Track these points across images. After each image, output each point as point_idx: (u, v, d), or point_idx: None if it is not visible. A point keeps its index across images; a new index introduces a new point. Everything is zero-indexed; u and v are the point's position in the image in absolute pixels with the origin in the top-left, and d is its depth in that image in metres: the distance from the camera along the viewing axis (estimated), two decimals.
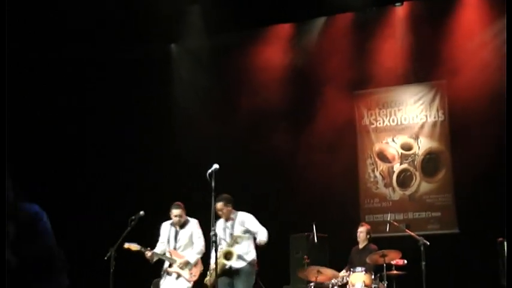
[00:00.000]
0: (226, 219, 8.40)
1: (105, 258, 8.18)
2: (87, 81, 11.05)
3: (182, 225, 8.58)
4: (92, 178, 11.28)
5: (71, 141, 10.91)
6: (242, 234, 8.20)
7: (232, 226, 8.43)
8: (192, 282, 8.51)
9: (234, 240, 8.15)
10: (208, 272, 8.51)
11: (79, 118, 10.97)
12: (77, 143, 11.03)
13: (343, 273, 9.10)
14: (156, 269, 8.62)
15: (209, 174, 7.13)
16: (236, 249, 8.20)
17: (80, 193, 11.17)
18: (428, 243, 8.78)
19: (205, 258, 8.71)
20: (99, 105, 11.14)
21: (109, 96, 11.07)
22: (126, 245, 8.29)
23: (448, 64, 10.66)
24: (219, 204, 8.14)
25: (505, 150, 6.76)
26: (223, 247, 7.92)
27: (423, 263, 8.67)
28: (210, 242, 8.45)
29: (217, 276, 7.67)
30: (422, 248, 8.76)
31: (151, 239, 8.68)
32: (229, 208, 8.40)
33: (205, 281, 8.53)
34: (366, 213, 11.28)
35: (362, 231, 9.60)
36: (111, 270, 8.23)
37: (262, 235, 8.35)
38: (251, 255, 8.42)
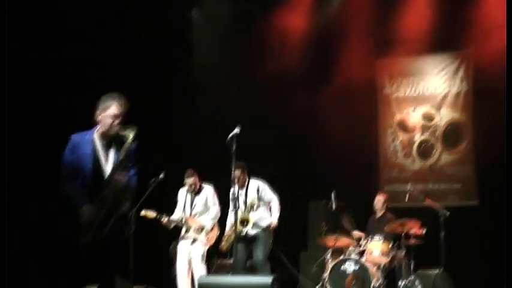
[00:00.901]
0: (241, 187, 8.44)
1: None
2: (109, 48, 11.05)
3: (197, 191, 8.67)
4: None
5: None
6: (255, 201, 8.23)
7: (246, 193, 8.48)
8: (207, 247, 8.59)
9: (250, 207, 8.18)
10: (223, 238, 8.57)
11: (101, 85, 10.98)
12: None
13: (359, 239, 9.12)
14: (175, 232, 8.69)
15: (230, 139, 7.11)
16: (252, 216, 8.24)
17: None
18: (448, 213, 8.73)
19: (221, 224, 8.77)
20: (119, 73, 11.14)
21: (130, 64, 11.05)
22: (143, 213, 8.37)
23: (474, 33, 10.47)
24: (237, 172, 8.15)
25: None
26: (238, 214, 7.95)
27: (442, 233, 8.65)
28: (226, 208, 8.57)
29: (234, 242, 7.72)
30: (442, 219, 8.73)
31: (171, 204, 8.74)
32: (245, 176, 8.46)
33: (220, 247, 8.61)
34: (385, 183, 11.21)
35: (379, 200, 9.59)
36: (131, 232, 8.30)
37: (275, 205, 8.42)
38: (267, 221, 8.47)
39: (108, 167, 4.90)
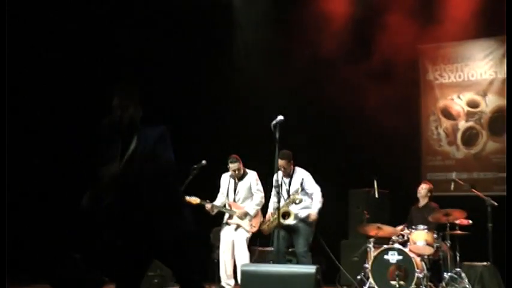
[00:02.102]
0: (286, 175, 8.39)
1: None
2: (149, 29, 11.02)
3: (241, 177, 8.68)
4: None
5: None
6: (298, 196, 8.15)
7: (290, 183, 8.43)
8: (251, 233, 8.57)
9: (292, 201, 8.14)
10: (264, 221, 8.52)
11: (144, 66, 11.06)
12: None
13: (401, 229, 8.93)
14: (216, 218, 8.67)
15: (273, 126, 7.00)
16: (292, 209, 8.19)
17: None
18: (496, 203, 8.50)
19: (264, 210, 8.71)
20: (161, 55, 11.13)
21: (172, 46, 11.02)
22: (186, 199, 8.31)
23: None
24: (283, 162, 8.20)
25: None
26: (281, 203, 7.84)
27: (490, 225, 8.44)
28: (269, 193, 8.51)
29: (275, 229, 7.66)
30: (489, 209, 8.51)
31: (214, 190, 8.70)
32: (291, 165, 8.41)
33: (261, 229, 8.58)
34: (428, 171, 10.99)
35: (423, 188, 9.40)
36: None
37: (317, 197, 8.33)
38: (307, 211, 8.39)
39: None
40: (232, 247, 8.50)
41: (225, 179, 8.77)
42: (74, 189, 10.69)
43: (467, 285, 8.24)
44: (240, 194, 8.65)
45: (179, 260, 4.46)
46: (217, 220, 8.76)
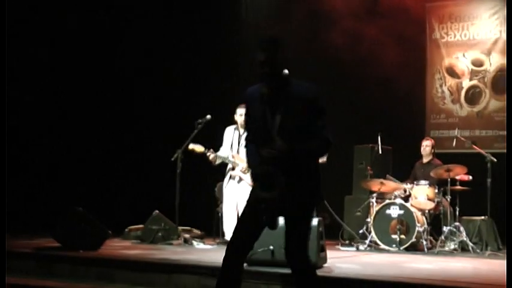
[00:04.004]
0: None
1: (172, 159, 8.38)
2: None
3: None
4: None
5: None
6: None
7: None
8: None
9: None
10: None
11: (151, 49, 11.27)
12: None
13: (405, 185, 9.09)
14: (221, 172, 8.75)
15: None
16: None
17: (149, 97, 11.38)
18: (495, 160, 8.66)
19: None
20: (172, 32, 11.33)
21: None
22: (191, 146, 8.42)
23: None
24: None
25: None
26: None
27: (489, 180, 8.59)
28: None
29: None
30: (489, 165, 8.66)
31: (217, 143, 8.76)
32: None
33: None
34: (432, 128, 11.13)
35: (428, 145, 9.50)
36: (178, 171, 8.45)
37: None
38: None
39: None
40: (236, 201, 8.48)
41: (229, 132, 8.67)
42: (77, 142, 11.04)
43: (465, 239, 8.44)
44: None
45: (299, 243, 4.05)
46: (224, 174, 8.80)
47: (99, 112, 11.37)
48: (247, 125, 4.29)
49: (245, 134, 8.37)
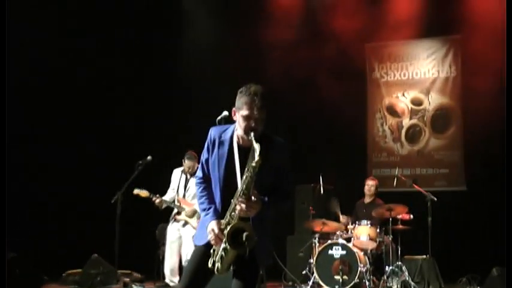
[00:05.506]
0: None
1: (112, 201, 8.20)
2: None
3: (193, 173, 8.52)
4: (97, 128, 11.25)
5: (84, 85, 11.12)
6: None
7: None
8: None
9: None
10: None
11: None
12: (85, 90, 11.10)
13: (344, 219, 9.11)
14: (162, 214, 8.63)
15: (218, 121, 7.04)
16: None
17: (89, 138, 11.15)
18: (435, 198, 8.73)
19: None
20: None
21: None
22: (136, 191, 8.30)
23: (464, 19, 10.45)
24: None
25: None
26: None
27: (429, 219, 8.61)
28: None
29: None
30: (429, 204, 8.70)
31: (162, 186, 8.65)
32: None
33: None
34: (373, 167, 11.23)
35: (373, 185, 9.52)
36: (118, 213, 8.26)
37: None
38: None
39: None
40: (179, 244, 8.44)
41: (177, 175, 8.66)
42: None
43: (407, 278, 8.45)
44: (190, 190, 8.50)
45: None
46: (162, 215, 8.70)
47: (36, 151, 11.04)
48: (203, 166, 4.17)
49: (192, 179, 8.41)
